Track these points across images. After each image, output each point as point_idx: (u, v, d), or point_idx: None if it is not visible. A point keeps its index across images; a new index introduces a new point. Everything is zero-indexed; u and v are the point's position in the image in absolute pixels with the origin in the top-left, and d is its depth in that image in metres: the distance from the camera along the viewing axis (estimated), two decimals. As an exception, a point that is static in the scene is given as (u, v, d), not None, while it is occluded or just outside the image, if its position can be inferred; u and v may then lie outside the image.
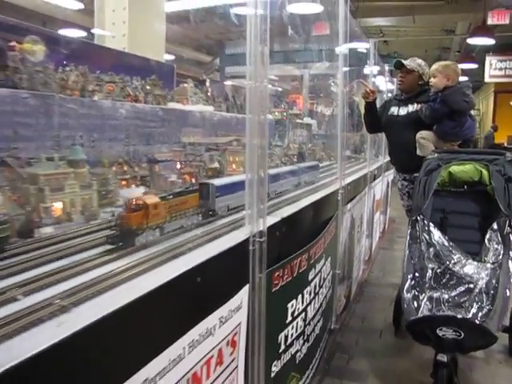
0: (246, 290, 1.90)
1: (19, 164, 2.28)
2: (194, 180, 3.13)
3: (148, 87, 4.15)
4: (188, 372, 1.49)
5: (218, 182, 2.25)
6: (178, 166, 3.07)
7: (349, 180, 4.16)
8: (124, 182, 2.85)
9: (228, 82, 13.04)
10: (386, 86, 9.28)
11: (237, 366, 1.93)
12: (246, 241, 1.89)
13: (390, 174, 7.66)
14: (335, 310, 3.87)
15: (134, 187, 2.87)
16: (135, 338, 1.20)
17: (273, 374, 2.33)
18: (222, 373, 1.77)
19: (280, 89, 13.38)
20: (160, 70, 5.61)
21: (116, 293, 1.22)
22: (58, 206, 2.08)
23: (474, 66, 13.92)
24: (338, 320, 3.94)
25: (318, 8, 6.63)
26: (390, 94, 8.77)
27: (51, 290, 1.22)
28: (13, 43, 3.07)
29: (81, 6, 9.71)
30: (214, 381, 1.70)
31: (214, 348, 1.66)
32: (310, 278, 2.75)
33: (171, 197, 1.85)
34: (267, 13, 2.09)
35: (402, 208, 4.57)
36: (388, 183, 7.93)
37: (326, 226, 3.19)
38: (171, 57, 8.70)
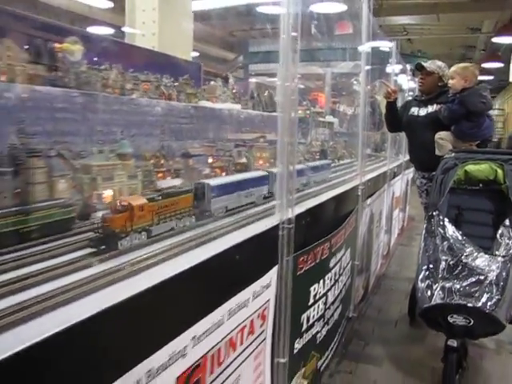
0: (275, 270, 2.14)
1: (72, 156, 2.57)
2: (224, 173, 3.38)
3: (175, 85, 4.41)
4: (226, 336, 1.74)
5: (213, 181, 2.15)
6: (210, 160, 3.32)
7: (369, 176, 4.36)
8: (160, 175, 3.12)
9: (252, 80, 13.25)
10: (407, 84, 9.40)
11: (265, 339, 2.18)
12: (277, 227, 2.14)
13: (410, 173, 7.81)
14: (353, 300, 4.08)
15: (169, 179, 3.13)
16: (188, 302, 1.46)
17: (295, 351, 2.57)
18: (252, 342, 2.02)
19: (302, 86, 13.55)
20: (188, 68, 5.87)
21: (176, 261, 1.48)
22: (108, 194, 2.35)
23: (499, 65, 13.86)
24: (355, 309, 4.16)
25: (341, 7, 6.82)
26: (411, 93, 8.90)
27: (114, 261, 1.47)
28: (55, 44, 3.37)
29: (110, 4, 10.07)
30: (246, 348, 1.95)
31: (247, 318, 1.91)
32: (331, 265, 2.98)
33: (160, 198, 1.75)
34: (299, 13, 2.29)
35: (421, 206, 4.74)
36: (408, 181, 8.07)
37: (347, 218, 3.41)
38: (195, 53, 8.96)
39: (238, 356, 1.88)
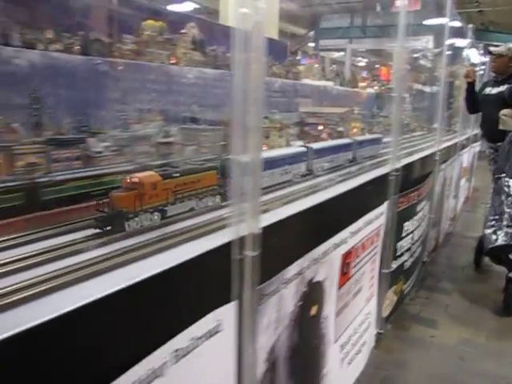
0: (386, 204, 3.07)
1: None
2: (330, 139, 4.29)
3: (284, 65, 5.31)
4: (362, 239, 2.69)
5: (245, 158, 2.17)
6: (320, 127, 4.25)
7: (444, 145, 5.14)
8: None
9: (322, 54, 13.90)
10: (479, 59, 9.79)
11: (376, 253, 3.12)
12: (387, 174, 3.05)
13: (477, 146, 8.40)
14: (427, 247, 4.94)
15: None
16: (347, 213, 2.42)
17: (391, 269, 3.49)
18: (371, 251, 2.96)
19: (363, 64, 14.07)
20: (275, 46, 6.75)
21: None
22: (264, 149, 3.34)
23: None
24: (429, 255, 5.02)
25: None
26: (483, 67, 9.36)
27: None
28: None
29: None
30: (368, 253, 2.90)
31: (370, 232, 2.85)
32: (417, 210, 3.86)
33: (178, 174, 1.59)
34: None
35: (484, 179, 5.43)
36: (474, 154, 8.66)
37: (428, 177, 4.26)
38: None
39: (365, 257, 2.83)
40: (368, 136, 4.27)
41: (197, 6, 11.50)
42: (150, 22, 3.89)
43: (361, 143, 3.45)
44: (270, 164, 2.27)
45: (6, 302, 0.97)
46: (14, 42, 2.39)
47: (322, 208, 2.05)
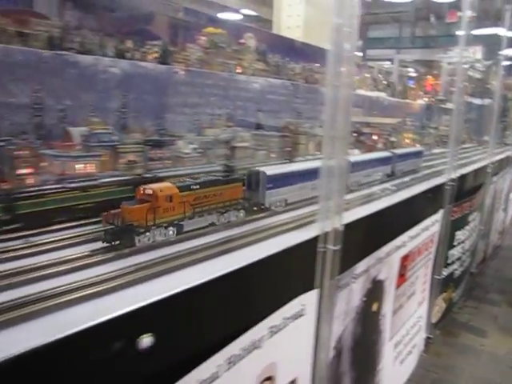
0: (441, 212, 3.18)
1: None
2: (384, 148, 4.41)
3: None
4: (418, 244, 2.82)
5: (270, 171, 1.91)
6: (375, 137, 4.38)
7: (496, 158, 5.17)
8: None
9: (370, 64, 13.90)
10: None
11: (430, 259, 3.23)
12: (443, 184, 3.16)
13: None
14: (476, 258, 4.97)
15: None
16: (406, 218, 2.56)
17: (442, 276, 3.59)
18: (425, 257, 3.08)
19: (414, 74, 14.00)
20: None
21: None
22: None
23: None
24: (477, 267, 5.05)
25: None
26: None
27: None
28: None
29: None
30: (422, 258, 3.02)
31: (425, 239, 2.97)
32: (469, 220, 3.93)
33: (197, 186, 1.49)
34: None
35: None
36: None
37: (480, 188, 4.32)
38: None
39: (420, 261, 2.95)
40: (409, 149, 4.04)
41: (252, 13, 11.73)
42: (211, 29, 4.03)
43: (401, 156, 3.26)
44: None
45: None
46: (109, 53, 2.66)
47: (387, 211, 2.21)
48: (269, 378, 1.48)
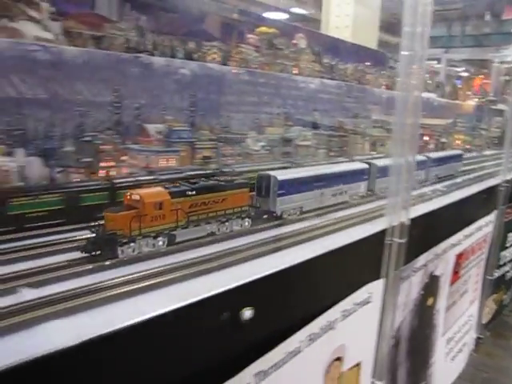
0: (495, 212, 3.21)
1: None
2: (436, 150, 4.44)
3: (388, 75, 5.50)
4: (471, 243, 2.88)
5: (282, 175, 1.77)
6: (426, 138, 4.42)
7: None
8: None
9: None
10: None
11: (482, 259, 3.26)
12: (497, 185, 3.20)
13: None
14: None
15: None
16: (460, 219, 2.63)
17: (494, 277, 3.60)
18: (478, 256, 3.12)
19: (464, 74, 13.70)
20: (375, 56, 6.91)
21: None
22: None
23: None
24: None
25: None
26: None
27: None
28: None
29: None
30: (475, 258, 3.06)
31: (479, 238, 3.02)
32: (523, 222, 3.92)
33: (193, 192, 1.35)
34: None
35: None
36: None
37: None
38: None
39: (473, 260, 3.00)
40: (446, 152, 3.92)
41: (300, 12, 11.80)
42: (264, 28, 4.15)
43: (436, 160, 3.11)
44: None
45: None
46: (178, 54, 2.84)
47: (444, 210, 2.30)
48: (338, 359, 1.61)
